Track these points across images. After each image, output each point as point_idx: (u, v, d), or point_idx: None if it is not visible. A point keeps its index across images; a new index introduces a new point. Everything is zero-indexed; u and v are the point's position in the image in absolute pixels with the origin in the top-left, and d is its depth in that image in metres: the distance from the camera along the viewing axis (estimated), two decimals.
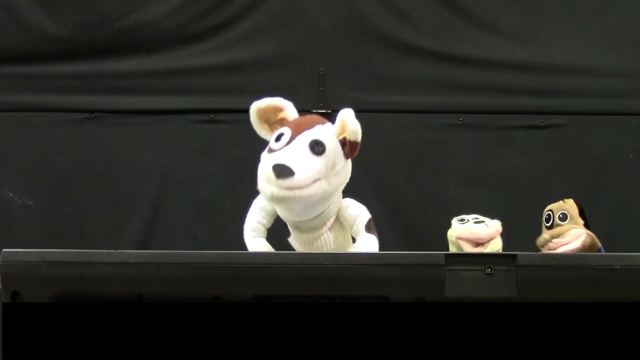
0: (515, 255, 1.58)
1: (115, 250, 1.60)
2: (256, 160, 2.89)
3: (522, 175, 2.86)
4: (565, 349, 1.52)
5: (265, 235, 1.86)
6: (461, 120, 2.88)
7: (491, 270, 1.57)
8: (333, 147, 1.73)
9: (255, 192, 2.96)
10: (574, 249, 1.80)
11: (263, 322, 1.53)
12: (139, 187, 2.87)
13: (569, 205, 1.88)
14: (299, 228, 1.80)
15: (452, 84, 2.88)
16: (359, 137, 1.72)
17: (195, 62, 2.90)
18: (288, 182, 1.68)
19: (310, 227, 1.79)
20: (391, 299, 1.57)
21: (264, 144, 2.89)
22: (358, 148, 1.73)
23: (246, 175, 2.87)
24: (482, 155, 2.88)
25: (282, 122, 1.81)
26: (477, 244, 1.86)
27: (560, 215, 1.85)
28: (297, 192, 1.68)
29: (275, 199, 1.71)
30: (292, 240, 1.84)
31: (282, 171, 1.68)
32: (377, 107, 2.81)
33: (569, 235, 1.83)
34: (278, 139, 1.75)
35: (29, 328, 1.53)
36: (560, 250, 1.81)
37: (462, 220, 1.90)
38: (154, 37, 2.89)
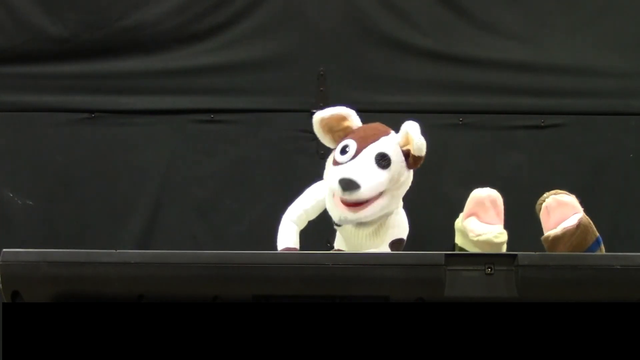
0: (515, 255, 1.58)
1: (115, 250, 1.60)
2: (256, 161, 2.90)
3: (522, 175, 2.86)
4: (565, 349, 1.52)
5: (303, 227, 1.87)
6: (461, 120, 2.88)
7: (491, 270, 1.57)
8: (397, 159, 1.79)
9: (256, 192, 2.97)
10: (572, 225, 1.75)
11: (263, 322, 1.53)
12: (139, 187, 2.87)
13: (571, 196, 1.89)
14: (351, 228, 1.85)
15: (452, 84, 2.88)
16: (423, 152, 1.79)
17: (195, 62, 2.90)
18: (354, 196, 1.72)
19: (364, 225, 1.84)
20: (391, 299, 1.57)
21: (263, 144, 2.90)
22: (422, 162, 1.80)
23: (246, 175, 2.90)
24: (482, 155, 2.87)
25: (346, 130, 1.84)
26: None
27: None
28: (362, 214, 1.76)
29: (343, 222, 1.78)
30: (342, 230, 1.88)
31: (348, 185, 1.73)
32: (377, 107, 2.80)
33: (566, 197, 1.80)
34: (343, 151, 1.79)
35: (29, 328, 1.53)
36: (560, 225, 1.77)
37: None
38: (154, 37, 2.89)
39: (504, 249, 1.84)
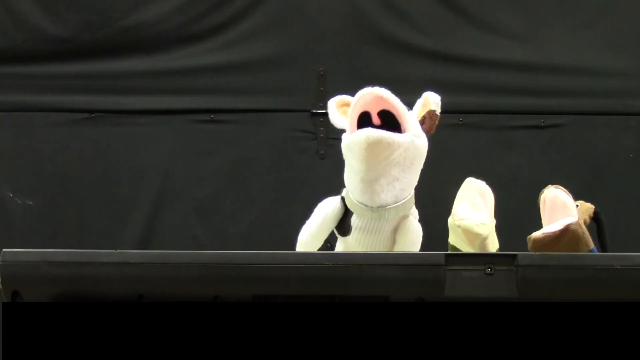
0: (515, 255, 1.58)
1: (115, 250, 1.60)
2: (256, 161, 2.90)
3: (522, 175, 2.86)
4: (565, 349, 1.52)
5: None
6: (461, 120, 2.88)
7: (491, 270, 1.57)
8: (413, 117, 1.83)
9: (256, 192, 2.96)
10: (555, 231, 1.66)
11: (263, 322, 1.53)
12: (139, 187, 2.87)
13: (586, 205, 1.87)
14: (364, 229, 1.82)
15: (452, 84, 2.88)
16: (439, 108, 1.86)
17: (195, 62, 2.91)
18: (380, 91, 1.75)
19: (376, 228, 1.82)
20: (391, 299, 1.57)
21: (263, 144, 2.90)
22: (437, 123, 1.85)
23: (246, 175, 2.90)
24: (482, 155, 2.88)
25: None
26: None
27: (575, 205, 1.83)
28: (388, 134, 1.71)
29: (371, 140, 1.70)
30: (349, 239, 1.86)
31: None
32: None
33: (563, 203, 1.76)
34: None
35: (29, 328, 1.53)
36: (543, 229, 1.73)
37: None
38: (154, 37, 2.90)
39: (489, 246, 1.82)
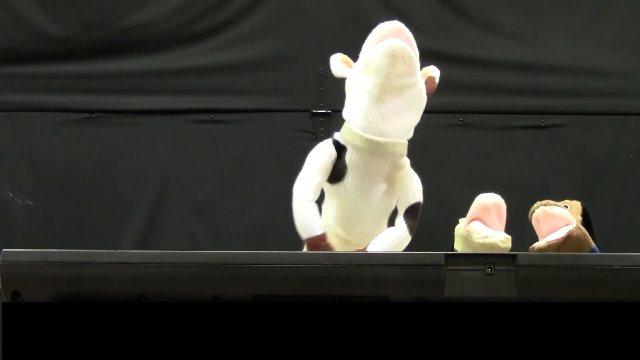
0: (515, 255, 1.58)
1: (115, 250, 1.60)
2: (256, 161, 2.90)
3: (522, 175, 2.86)
4: (565, 349, 1.52)
5: (317, 198, 1.80)
6: (461, 120, 2.88)
7: (491, 270, 1.57)
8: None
9: (256, 192, 2.96)
10: (558, 239, 1.69)
11: (263, 322, 1.53)
12: (139, 187, 2.87)
13: (573, 203, 1.87)
14: (358, 168, 1.78)
15: (452, 84, 2.88)
16: (437, 75, 1.91)
17: (195, 62, 2.91)
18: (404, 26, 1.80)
19: (372, 167, 1.78)
20: (391, 299, 1.57)
21: (263, 144, 2.90)
22: (435, 88, 1.88)
23: (246, 175, 2.90)
24: (482, 155, 2.88)
25: None
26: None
27: (562, 206, 1.83)
28: (411, 52, 1.77)
29: (396, 47, 1.75)
30: (342, 186, 1.81)
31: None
32: None
33: (556, 210, 1.77)
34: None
35: (29, 328, 1.53)
36: (546, 238, 1.74)
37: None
38: (154, 37, 2.90)
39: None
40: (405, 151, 1.83)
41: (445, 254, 1.58)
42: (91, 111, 2.90)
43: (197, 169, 2.88)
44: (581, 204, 1.88)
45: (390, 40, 1.76)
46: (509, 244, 1.78)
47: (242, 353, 1.52)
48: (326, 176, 1.80)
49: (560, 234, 1.72)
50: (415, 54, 1.79)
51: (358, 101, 1.80)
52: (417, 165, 2.94)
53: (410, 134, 1.83)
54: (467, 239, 1.83)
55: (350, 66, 1.89)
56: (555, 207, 1.77)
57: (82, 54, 2.89)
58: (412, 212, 1.81)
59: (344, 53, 2.89)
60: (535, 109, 2.88)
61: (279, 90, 2.89)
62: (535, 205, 1.80)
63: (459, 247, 1.88)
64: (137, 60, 2.90)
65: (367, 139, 1.77)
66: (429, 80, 1.88)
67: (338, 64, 1.92)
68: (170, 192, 2.87)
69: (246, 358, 1.52)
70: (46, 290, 1.57)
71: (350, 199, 1.81)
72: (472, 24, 2.90)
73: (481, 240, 1.77)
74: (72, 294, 1.57)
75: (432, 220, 2.72)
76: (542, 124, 2.88)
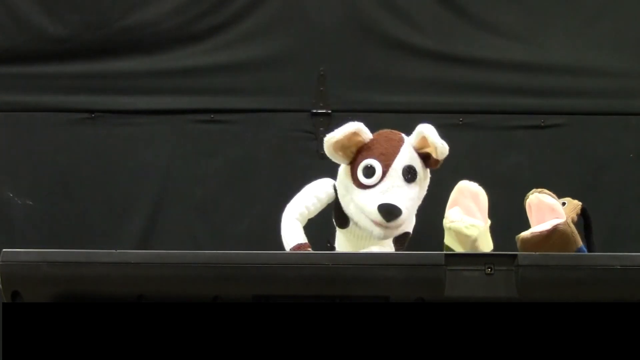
0: (515, 255, 1.58)
1: (115, 250, 1.60)
2: (256, 161, 2.90)
3: (522, 175, 2.86)
4: (565, 349, 1.52)
5: (304, 224, 1.86)
6: (461, 120, 2.88)
7: (491, 270, 1.57)
8: (419, 167, 1.82)
9: (256, 192, 2.96)
10: (543, 230, 1.70)
11: (263, 322, 1.53)
12: (139, 187, 2.87)
13: (573, 202, 1.88)
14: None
15: (452, 84, 2.88)
16: (446, 154, 1.82)
17: (195, 62, 2.90)
18: (397, 222, 1.76)
19: None
20: (391, 299, 1.57)
21: (263, 144, 2.90)
22: (439, 164, 1.83)
23: (246, 175, 2.90)
24: (482, 155, 2.87)
25: (358, 144, 1.82)
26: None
27: (561, 203, 1.84)
28: (397, 231, 1.80)
29: (376, 237, 1.78)
30: (347, 232, 1.88)
31: (391, 213, 1.75)
32: (377, 107, 2.81)
33: (549, 199, 1.77)
34: (368, 174, 1.79)
35: (29, 328, 1.53)
36: (532, 229, 1.74)
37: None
38: (154, 37, 2.89)
39: (481, 246, 1.83)
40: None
41: (445, 254, 1.58)
42: (91, 111, 2.90)
43: (197, 169, 2.88)
44: (581, 205, 1.88)
45: (379, 233, 1.77)
46: (473, 231, 1.79)
47: (242, 353, 1.52)
48: (317, 209, 1.88)
49: (546, 226, 1.72)
50: (412, 190, 1.80)
51: (364, 218, 1.82)
52: None
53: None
54: (450, 232, 1.85)
55: (342, 151, 1.82)
56: (549, 196, 1.77)
57: (82, 54, 2.88)
58: (400, 240, 1.88)
59: (344, 53, 2.90)
60: (535, 109, 2.88)
61: (279, 90, 2.89)
62: (531, 191, 1.80)
63: (446, 240, 1.89)
64: (137, 60, 2.90)
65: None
66: (433, 162, 1.85)
67: (332, 152, 1.83)
68: (170, 192, 2.87)
69: (246, 358, 1.52)
70: (46, 290, 1.57)
71: (357, 240, 1.87)
72: (472, 24, 2.90)
73: (448, 225, 1.81)
74: (72, 294, 1.57)
75: (432, 220, 2.72)
76: (542, 124, 2.87)
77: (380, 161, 1.79)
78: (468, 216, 1.83)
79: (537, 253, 1.64)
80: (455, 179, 2.85)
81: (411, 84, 2.89)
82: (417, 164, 1.82)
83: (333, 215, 1.91)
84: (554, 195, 1.79)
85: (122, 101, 2.89)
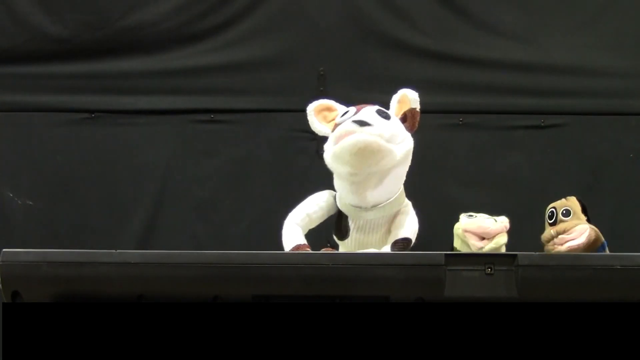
0: (515, 255, 1.58)
1: (115, 250, 1.60)
2: (256, 161, 2.90)
3: (522, 175, 2.86)
4: (565, 349, 1.52)
5: (305, 232, 1.87)
6: (461, 120, 2.88)
7: (491, 270, 1.57)
8: (396, 119, 1.83)
9: (256, 192, 2.96)
10: (580, 244, 1.78)
11: (263, 322, 1.53)
12: (139, 187, 2.87)
13: (572, 202, 1.88)
14: (360, 228, 1.84)
15: (452, 84, 2.88)
16: (418, 104, 1.86)
17: (195, 62, 2.90)
18: (369, 129, 1.74)
19: (373, 227, 1.84)
20: (391, 299, 1.57)
21: (263, 144, 2.90)
22: (418, 119, 1.84)
23: (246, 175, 2.90)
24: (482, 155, 2.87)
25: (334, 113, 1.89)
26: (483, 238, 1.85)
27: (564, 212, 1.85)
28: (380, 140, 1.74)
29: (361, 145, 1.74)
30: (349, 242, 1.88)
31: (363, 122, 1.75)
32: None
33: (574, 231, 1.82)
34: (344, 115, 1.83)
35: (29, 328, 1.53)
36: (567, 245, 1.80)
37: (471, 215, 1.91)
38: (154, 37, 2.89)
39: (503, 240, 1.85)
40: (402, 200, 1.88)
41: (445, 254, 1.58)
42: (91, 111, 2.90)
43: (197, 169, 2.88)
44: (576, 198, 1.90)
45: (354, 137, 1.75)
46: (503, 240, 1.82)
47: (242, 353, 1.52)
48: (319, 218, 1.89)
49: (579, 240, 1.79)
50: (386, 123, 1.79)
51: (339, 182, 1.85)
52: (417, 165, 2.94)
53: (401, 184, 1.87)
54: (464, 241, 1.86)
55: (325, 122, 1.87)
56: (571, 229, 1.82)
57: (82, 54, 2.89)
58: (398, 244, 1.84)
59: (344, 53, 2.90)
60: (535, 109, 2.88)
61: (279, 90, 2.89)
62: (552, 233, 1.84)
63: (457, 245, 1.89)
64: (137, 60, 2.90)
65: (362, 211, 1.84)
66: (410, 114, 1.86)
67: (314, 119, 1.91)
68: (170, 192, 2.87)
69: (246, 358, 1.52)
70: (46, 290, 1.57)
71: (357, 249, 1.87)
72: (472, 24, 2.90)
73: (479, 251, 1.83)
74: (72, 294, 1.57)
75: (432, 220, 2.72)
76: (542, 124, 2.87)
77: (355, 107, 1.85)
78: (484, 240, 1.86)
79: (537, 253, 1.64)
80: (455, 179, 2.86)
81: (411, 84, 2.88)
82: (394, 116, 1.84)
83: (333, 229, 1.91)
84: (571, 223, 1.84)
85: (122, 101, 2.89)
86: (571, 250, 1.77)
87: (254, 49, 2.90)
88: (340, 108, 1.90)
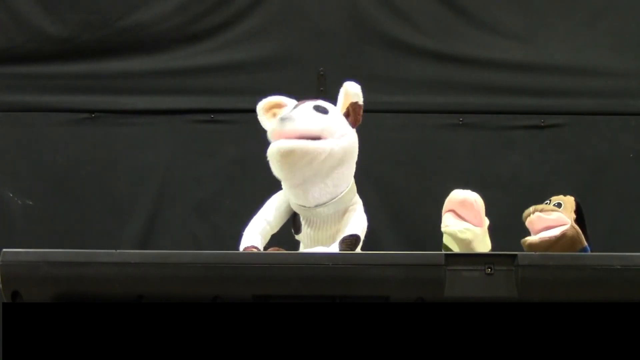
0: (515, 255, 1.58)
1: (115, 250, 1.60)
2: (256, 160, 2.90)
3: (522, 175, 2.86)
4: (565, 349, 1.52)
5: (268, 239, 1.87)
6: (461, 120, 2.88)
7: (491, 270, 1.57)
8: (336, 113, 1.81)
9: (256, 192, 2.96)
10: (552, 236, 1.71)
11: (263, 322, 1.53)
12: (139, 187, 2.87)
13: (567, 199, 1.88)
14: (310, 223, 1.83)
15: (452, 84, 2.88)
16: (360, 98, 1.83)
17: (195, 62, 2.90)
18: (291, 125, 1.73)
19: (321, 223, 1.83)
20: (391, 299, 1.57)
21: (263, 144, 2.90)
22: (361, 113, 1.82)
23: (246, 175, 2.90)
24: (482, 155, 2.87)
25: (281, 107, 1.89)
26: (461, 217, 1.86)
27: (556, 204, 1.84)
28: (301, 143, 1.72)
29: (283, 152, 1.74)
30: (302, 237, 1.88)
31: (285, 119, 1.74)
32: (377, 107, 2.80)
33: (552, 215, 1.78)
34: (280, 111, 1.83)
35: (29, 328, 1.53)
36: (539, 236, 1.75)
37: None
38: (154, 37, 2.89)
39: (476, 248, 1.84)
40: (352, 195, 1.86)
41: (445, 254, 1.58)
42: (91, 111, 2.90)
43: (197, 169, 2.88)
44: (575, 199, 1.89)
45: (278, 143, 1.75)
46: (467, 235, 1.81)
47: (242, 353, 1.52)
48: (278, 222, 1.89)
49: (554, 232, 1.72)
50: (319, 118, 1.77)
51: (283, 184, 1.86)
52: (418, 165, 2.95)
53: (349, 181, 1.85)
54: (447, 234, 1.87)
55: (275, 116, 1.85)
56: (551, 212, 1.78)
57: (82, 54, 2.88)
58: (346, 242, 1.81)
59: (344, 53, 2.90)
60: (535, 109, 2.88)
61: (279, 90, 2.88)
62: (531, 210, 1.80)
63: (445, 240, 1.90)
64: (137, 60, 2.90)
65: (307, 210, 1.83)
66: (352, 109, 1.84)
67: (263, 118, 1.91)
68: (170, 192, 2.87)
69: (246, 358, 1.52)
70: (46, 290, 1.57)
71: (311, 244, 1.87)
72: (472, 24, 2.90)
73: (443, 229, 1.83)
74: (72, 294, 1.57)
75: (432, 220, 2.72)
76: (542, 124, 2.87)
77: (296, 102, 1.84)
78: (460, 220, 1.85)
79: (537, 253, 1.64)
80: (455, 179, 2.86)
81: (411, 84, 2.89)
82: (334, 111, 1.82)
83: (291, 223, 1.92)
84: (553, 207, 1.80)
85: (122, 101, 2.89)
86: (543, 241, 1.72)
87: (254, 49, 2.90)
88: (291, 103, 1.89)
